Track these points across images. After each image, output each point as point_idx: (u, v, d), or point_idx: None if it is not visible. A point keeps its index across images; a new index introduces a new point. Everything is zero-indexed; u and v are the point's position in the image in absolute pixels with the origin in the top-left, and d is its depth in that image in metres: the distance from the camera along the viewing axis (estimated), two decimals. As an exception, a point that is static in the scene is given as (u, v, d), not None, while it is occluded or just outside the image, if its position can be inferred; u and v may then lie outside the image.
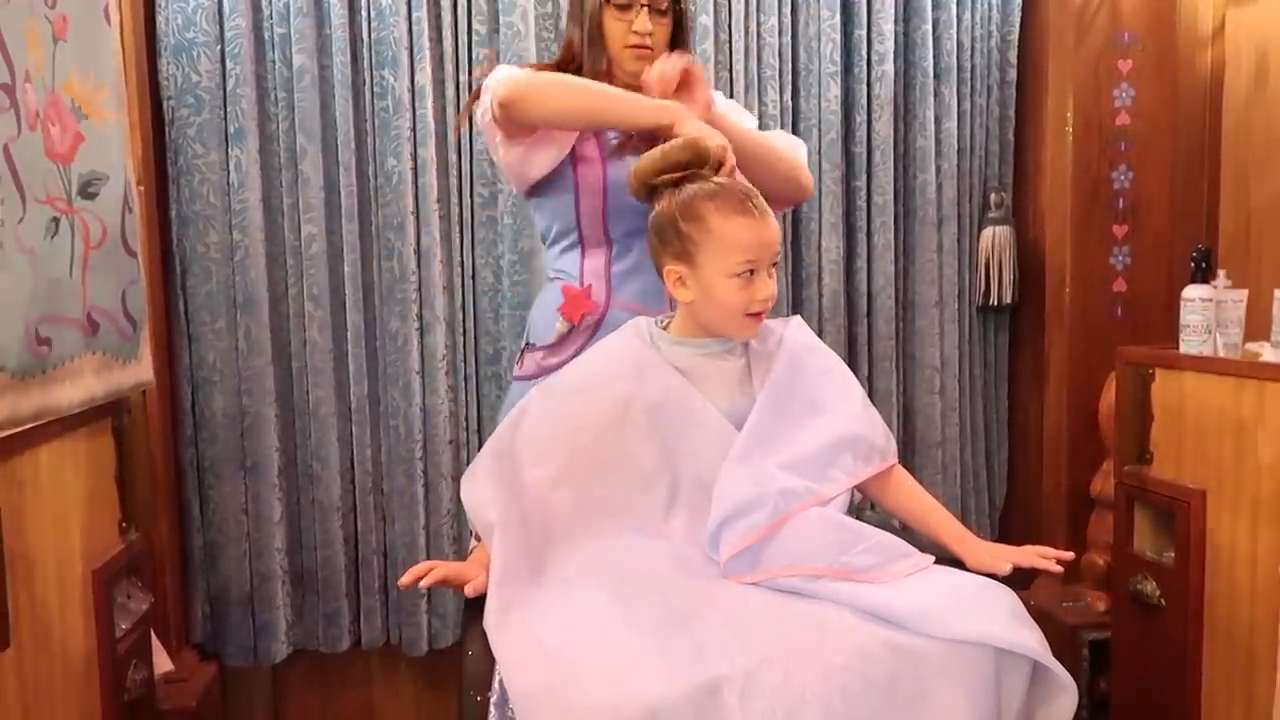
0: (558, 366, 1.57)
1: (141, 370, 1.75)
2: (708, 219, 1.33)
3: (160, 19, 2.11)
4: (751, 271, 1.33)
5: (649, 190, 1.39)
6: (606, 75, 1.66)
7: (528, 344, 1.71)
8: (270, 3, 2.15)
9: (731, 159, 1.44)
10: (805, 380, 1.38)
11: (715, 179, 1.38)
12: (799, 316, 1.50)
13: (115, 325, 1.62)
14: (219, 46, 2.13)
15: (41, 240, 1.37)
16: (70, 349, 1.45)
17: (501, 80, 1.58)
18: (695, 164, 1.37)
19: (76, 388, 1.47)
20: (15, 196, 1.29)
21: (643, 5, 1.63)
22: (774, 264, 1.36)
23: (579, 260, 1.67)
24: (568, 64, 1.70)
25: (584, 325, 1.64)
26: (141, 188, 1.87)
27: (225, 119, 2.14)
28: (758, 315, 1.37)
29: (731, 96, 2.27)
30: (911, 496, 1.41)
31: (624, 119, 1.55)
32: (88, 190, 1.53)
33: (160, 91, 2.13)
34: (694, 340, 1.41)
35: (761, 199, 1.37)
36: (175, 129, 2.14)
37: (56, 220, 1.42)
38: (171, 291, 2.17)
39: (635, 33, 1.63)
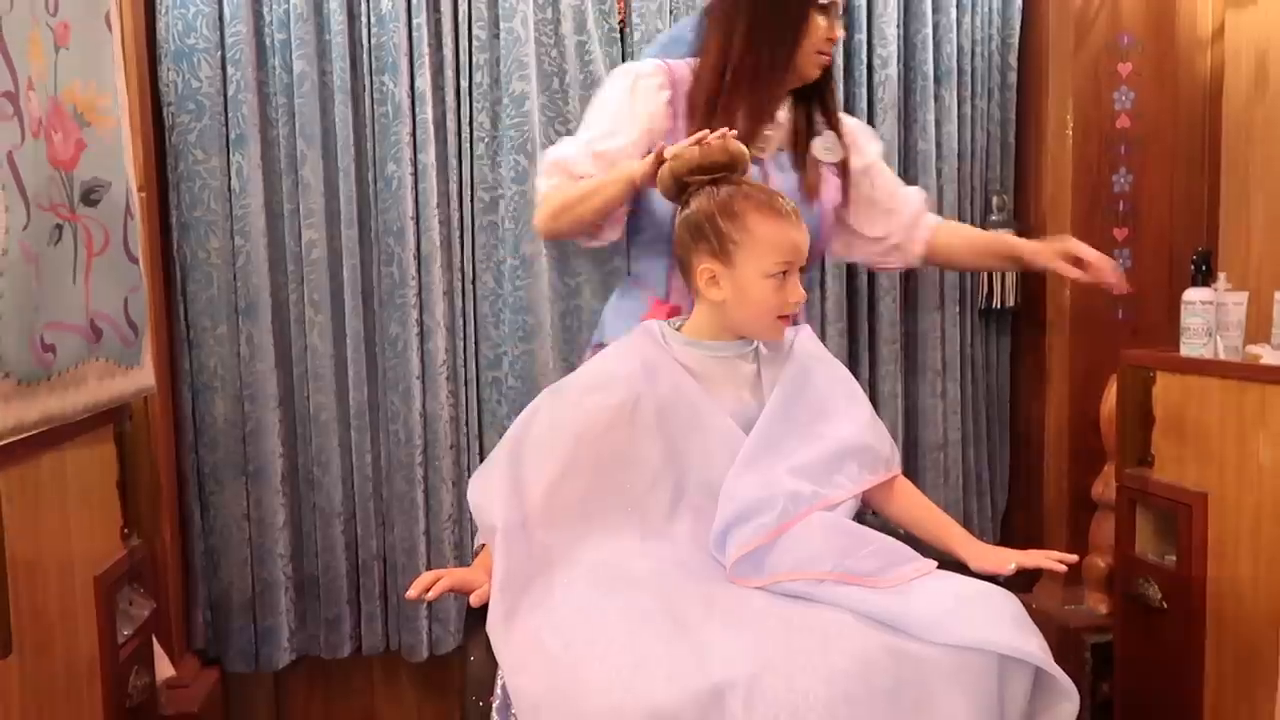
0: None
1: (143, 376, 1.75)
2: (747, 219, 1.35)
3: (161, 25, 2.11)
4: (785, 273, 1.35)
5: (680, 188, 1.41)
6: (778, 76, 1.69)
7: (599, 344, 1.74)
8: (270, 9, 2.15)
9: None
10: (814, 388, 1.39)
11: (746, 182, 1.40)
12: (808, 326, 1.51)
13: (118, 331, 1.62)
14: (219, 52, 2.13)
15: (45, 247, 1.37)
16: (73, 355, 1.45)
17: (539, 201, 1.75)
18: (730, 167, 1.39)
19: (80, 394, 1.47)
20: (19, 204, 1.29)
21: (837, 17, 1.70)
22: (801, 268, 1.38)
23: (665, 272, 1.68)
24: (719, 67, 1.69)
25: None
26: (143, 194, 1.88)
27: (226, 125, 2.15)
28: (786, 318, 1.38)
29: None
30: (914, 504, 1.42)
31: (612, 192, 1.61)
32: (90, 197, 1.53)
33: (161, 97, 2.13)
34: (707, 342, 1.42)
35: (792, 203, 1.40)
36: (176, 135, 2.14)
37: (59, 227, 1.42)
38: (173, 297, 2.17)
39: (829, 39, 1.70)
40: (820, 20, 1.68)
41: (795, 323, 1.46)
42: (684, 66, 1.75)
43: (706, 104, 1.67)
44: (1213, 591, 1.82)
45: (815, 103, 1.80)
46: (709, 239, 1.36)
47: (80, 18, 1.53)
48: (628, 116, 1.69)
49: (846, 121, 1.88)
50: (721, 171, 1.39)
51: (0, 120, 1.25)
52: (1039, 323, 2.39)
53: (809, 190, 1.74)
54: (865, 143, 1.91)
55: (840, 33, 1.72)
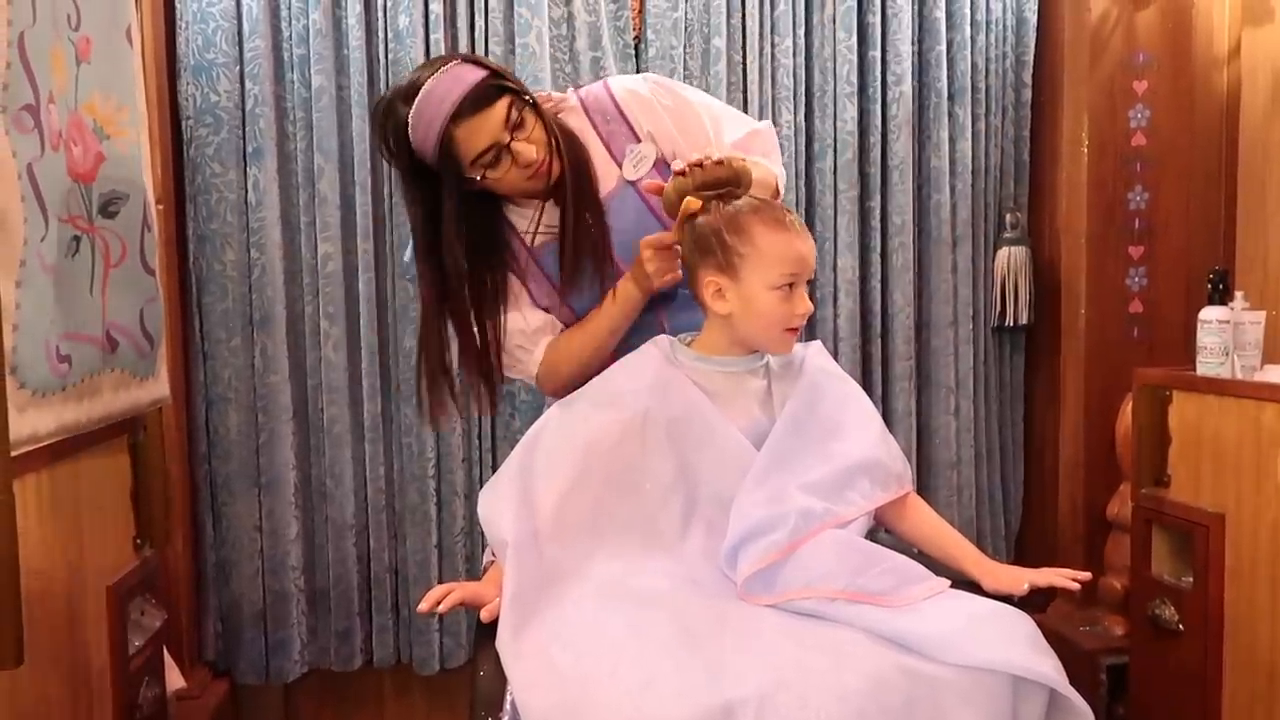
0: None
1: (158, 387, 1.76)
2: (752, 231, 1.35)
3: (181, 40, 2.14)
4: (791, 285, 1.35)
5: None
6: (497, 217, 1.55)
7: None
8: (289, 24, 2.17)
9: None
10: (825, 404, 1.39)
11: (751, 196, 1.40)
12: (819, 342, 1.51)
13: (133, 343, 1.63)
14: (238, 67, 2.15)
15: (62, 258, 1.38)
16: (89, 366, 1.46)
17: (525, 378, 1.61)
18: (734, 183, 1.39)
19: (95, 405, 1.48)
20: (38, 215, 1.30)
21: (505, 145, 1.44)
22: (808, 280, 1.39)
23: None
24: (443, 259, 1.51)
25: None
26: (160, 206, 1.89)
27: (244, 138, 2.17)
28: (794, 330, 1.38)
29: (746, 117, 2.28)
30: (927, 522, 1.41)
31: (621, 320, 1.53)
32: (108, 209, 1.54)
33: (180, 111, 2.15)
34: (717, 358, 1.42)
35: (798, 216, 1.41)
36: (194, 148, 2.16)
37: (77, 239, 1.43)
38: (188, 309, 2.19)
39: (522, 167, 1.46)
40: (493, 177, 1.46)
41: (803, 339, 1.45)
42: None
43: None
44: (1230, 613, 1.80)
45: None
46: (714, 253, 1.37)
47: (102, 32, 1.54)
48: None
49: (639, 116, 1.60)
50: (726, 188, 1.40)
51: (21, 133, 1.26)
52: (1054, 340, 2.38)
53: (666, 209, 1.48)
54: (663, 108, 1.60)
55: (530, 154, 1.44)
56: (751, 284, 1.35)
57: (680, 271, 1.47)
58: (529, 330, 1.58)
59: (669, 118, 1.60)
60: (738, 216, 1.36)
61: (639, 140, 1.58)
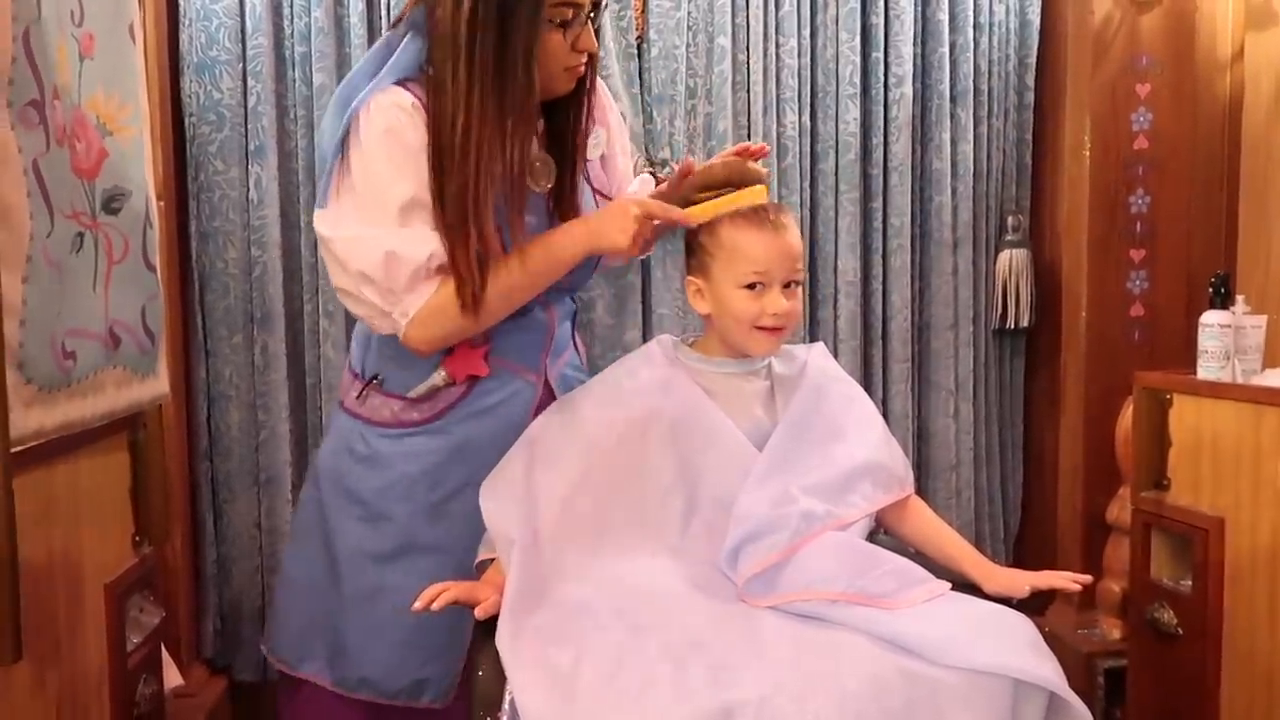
0: (420, 422, 1.47)
1: (159, 384, 1.75)
2: (721, 231, 1.36)
3: (184, 37, 2.14)
4: (764, 285, 1.34)
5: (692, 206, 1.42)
6: (526, 105, 1.37)
7: (379, 381, 1.49)
8: (291, 22, 2.17)
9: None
10: (828, 406, 1.39)
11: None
12: (821, 344, 1.51)
13: (135, 339, 1.63)
14: (241, 65, 2.15)
15: (67, 254, 1.38)
16: (93, 362, 1.46)
17: (404, 319, 1.37)
18: (734, 182, 1.40)
19: (98, 401, 1.48)
20: (43, 211, 1.30)
21: (588, 14, 1.38)
22: (793, 281, 1.36)
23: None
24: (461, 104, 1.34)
25: (461, 383, 1.46)
26: (162, 203, 1.89)
27: (246, 136, 2.17)
28: (770, 330, 1.36)
29: (749, 118, 2.28)
30: (928, 524, 1.41)
31: (553, 267, 1.39)
32: (110, 205, 1.54)
33: (182, 108, 2.15)
34: (718, 359, 1.42)
35: (786, 214, 1.39)
36: (196, 146, 2.16)
37: (81, 235, 1.43)
38: (189, 306, 2.19)
39: (579, 51, 1.39)
40: (558, 37, 1.37)
41: (804, 340, 1.45)
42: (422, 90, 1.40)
43: (454, 153, 1.34)
44: (1229, 618, 1.80)
45: (574, 108, 1.47)
46: (694, 253, 1.39)
47: (105, 29, 1.54)
48: (410, 162, 1.36)
49: (605, 109, 1.59)
50: (724, 188, 1.40)
51: (27, 128, 1.26)
52: (1054, 343, 2.38)
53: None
54: (617, 116, 1.63)
55: (594, 44, 1.39)
56: (722, 282, 1.36)
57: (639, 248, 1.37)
58: (432, 265, 1.35)
59: (618, 131, 1.61)
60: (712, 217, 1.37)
61: (597, 125, 1.55)
